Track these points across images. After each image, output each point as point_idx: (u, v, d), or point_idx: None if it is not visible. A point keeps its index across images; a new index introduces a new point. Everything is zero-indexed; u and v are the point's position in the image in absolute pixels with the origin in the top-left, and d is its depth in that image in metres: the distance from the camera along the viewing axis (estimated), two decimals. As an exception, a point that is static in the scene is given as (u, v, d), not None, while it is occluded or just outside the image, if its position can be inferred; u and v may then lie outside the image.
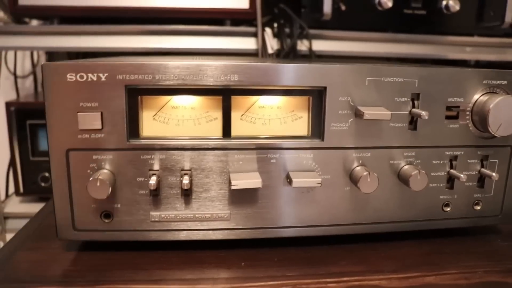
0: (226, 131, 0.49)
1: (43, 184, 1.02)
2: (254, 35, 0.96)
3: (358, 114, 0.49)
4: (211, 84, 0.47)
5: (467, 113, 0.53)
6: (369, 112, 0.48)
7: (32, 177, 1.02)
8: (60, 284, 0.45)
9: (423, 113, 0.49)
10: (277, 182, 0.50)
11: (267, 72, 0.47)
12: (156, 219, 0.49)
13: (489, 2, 1.03)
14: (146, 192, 0.49)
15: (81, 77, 0.45)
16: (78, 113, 0.46)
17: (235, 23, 1.00)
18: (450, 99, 0.52)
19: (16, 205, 1.10)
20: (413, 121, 0.52)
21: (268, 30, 0.97)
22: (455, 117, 0.53)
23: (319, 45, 0.98)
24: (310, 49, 0.96)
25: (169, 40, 0.97)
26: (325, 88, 0.49)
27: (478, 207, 0.56)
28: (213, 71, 0.46)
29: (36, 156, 1.01)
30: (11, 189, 1.13)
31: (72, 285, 0.45)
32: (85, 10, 0.93)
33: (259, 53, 0.95)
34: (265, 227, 0.51)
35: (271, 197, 0.50)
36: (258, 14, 0.94)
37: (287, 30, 0.97)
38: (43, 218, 0.61)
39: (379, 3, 0.96)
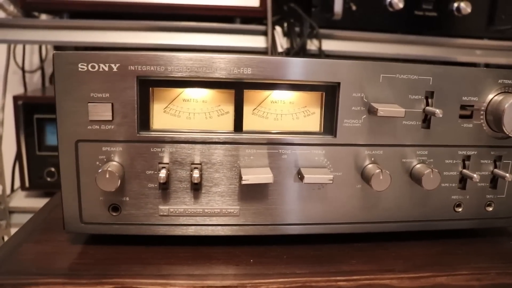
0: (238, 125, 0.48)
1: (49, 179, 1.01)
2: (264, 33, 0.96)
3: (371, 111, 0.48)
4: (223, 77, 0.46)
5: (481, 112, 0.52)
6: (383, 109, 0.47)
7: (38, 172, 1.01)
8: (66, 277, 0.44)
9: (437, 111, 0.48)
10: (288, 178, 0.49)
11: (281, 66, 0.47)
12: (165, 213, 0.49)
13: (500, 5, 1.03)
14: (155, 185, 0.48)
15: (93, 67, 0.45)
16: (89, 104, 0.46)
17: (245, 21, 0.99)
18: (464, 98, 0.51)
19: (21, 200, 1.09)
20: (427, 119, 0.51)
21: (278, 29, 0.96)
22: (469, 116, 0.52)
23: (328, 45, 0.98)
24: (320, 48, 0.95)
25: (179, 37, 0.96)
26: (338, 83, 0.48)
27: (490, 208, 0.55)
28: (226, 64, 0.46)
29: (42, 151, 1.00)
30: (17, 183, 1.12)
31: (78, 278, 0.44)
32: (95, 4, 0.93)
33: (269, 52, 0.94)
34: (275, 224, 0.51)
35: (282, 193, 0.50)
36: (268, 12, 0.94)
37: (297, 29, 0.97)
38: (50, 211, 0.60)
39: (390, 4, 0.96)
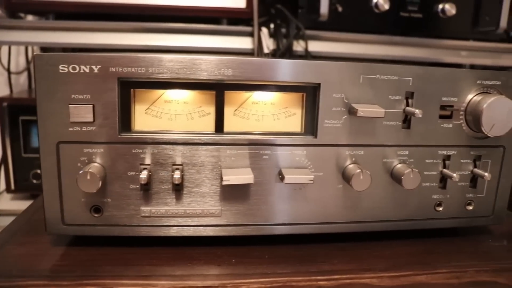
0: (219, 126, 0.49)
1: (35, 181, 1.01)
2: (251, 34, 0.96)
3: (351, 112, 0.49)
4: (204, 78, 0.47)
5: (461, 112, 0.52)
6: (363, 110, 0.47)
7: (24, 174, 1.01)
8: (48, 279, 0.44)
9: (417, 111, 0.49)
10: (269, 178, 0.50)
11: (261, 67, 0.47)
12: (147, 214, 0.49)
13: (484, 7, 1.04)
14: (137, 186, 0.48)
15: (74, 68, 0.45)
16: (70, 105, 0.46)
17: (233, 22, 0.99)
18: (444, 99, 0.52)
19: (7, 203, 1.08)
20: (407, 119, 0.52)
21: (264, 30, 0.97)
22: (449, 117, 0.53)
23: (315, 46, 0.98)
24: (306, 49, 0.96)
25: (166, 38, 0.96)
26: (319, 84, 0.48)
27: (470, 207, 0.56)
28: (207, 65, 0.46)
29: (28, 153, 1.00)
30: (2, 186, 1.11)
31: (60, 279, 0.44)
32: (81, 6, 0.92)
33: (255, 53, 0.94)
34: (256, 224, 0.51)
35: (263, 193, 0.50)
36: (254, 13, 0.94)
37: (283, 30, 0.97)
38: (33, 213, 0.60)
39: (376, 5, 0.96)
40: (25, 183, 1.01)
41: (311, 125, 0.50)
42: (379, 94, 0.50)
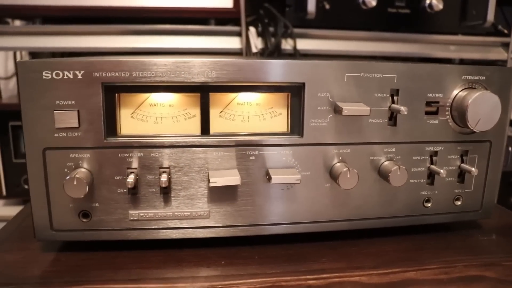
0: (205, 128, 0.49)
1: (26, 187, 1.00)
2: (238, 34, 0.96)
3: (337, 110, 0.49)
4: (188, 81, 0.46)
5: (447, 108, 0.53)
6: (348, 108, 0.48)
7: (15, 180, 1.01)
8: (37, 285, 0.44)
9: (402, 108, 0.49)
10: (256, 179, 0.50)
11: (245, 68, 0.47)
12: (135, 218, 0.49)
13: (471, 2, 1.04)
14: (125, 190, 0.48)
15: (57, 74, 0.45)
16: (55, 111, 0.45)
17: (221, 22, 0.99)
18: (429, 95, 0.52)
19: (-1, 208, 1.08)
20: (393, 117, 0.52)
21: (252, 29, 0.97)
22: (435, 113, 0.53)
23: (303, 44, 0.98)
24: (294, 48, 0.96)
25: (154, 40, 0.96)
26: (303, 84, 0.48)
27: (459, 203, 0.56)
28: (190, 68, 0.46)
29: (19, 158, 1.00)
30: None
31: (49, 286, 0.44)
32: (68, 9, 0.92)
33: (243, 52, 0.94)
34: (245, 225, 0.51)
35: (251, 194, 0.50)
36: (242, 13, 0.94)
37: (271, 29, 0.97)
38: (23, 219, 0.60)
39: (363, 2, 0.97)
40: (16, 189, 1.01)
41: (297, 124, 0.50)
42: (364, 92, 0.50)
